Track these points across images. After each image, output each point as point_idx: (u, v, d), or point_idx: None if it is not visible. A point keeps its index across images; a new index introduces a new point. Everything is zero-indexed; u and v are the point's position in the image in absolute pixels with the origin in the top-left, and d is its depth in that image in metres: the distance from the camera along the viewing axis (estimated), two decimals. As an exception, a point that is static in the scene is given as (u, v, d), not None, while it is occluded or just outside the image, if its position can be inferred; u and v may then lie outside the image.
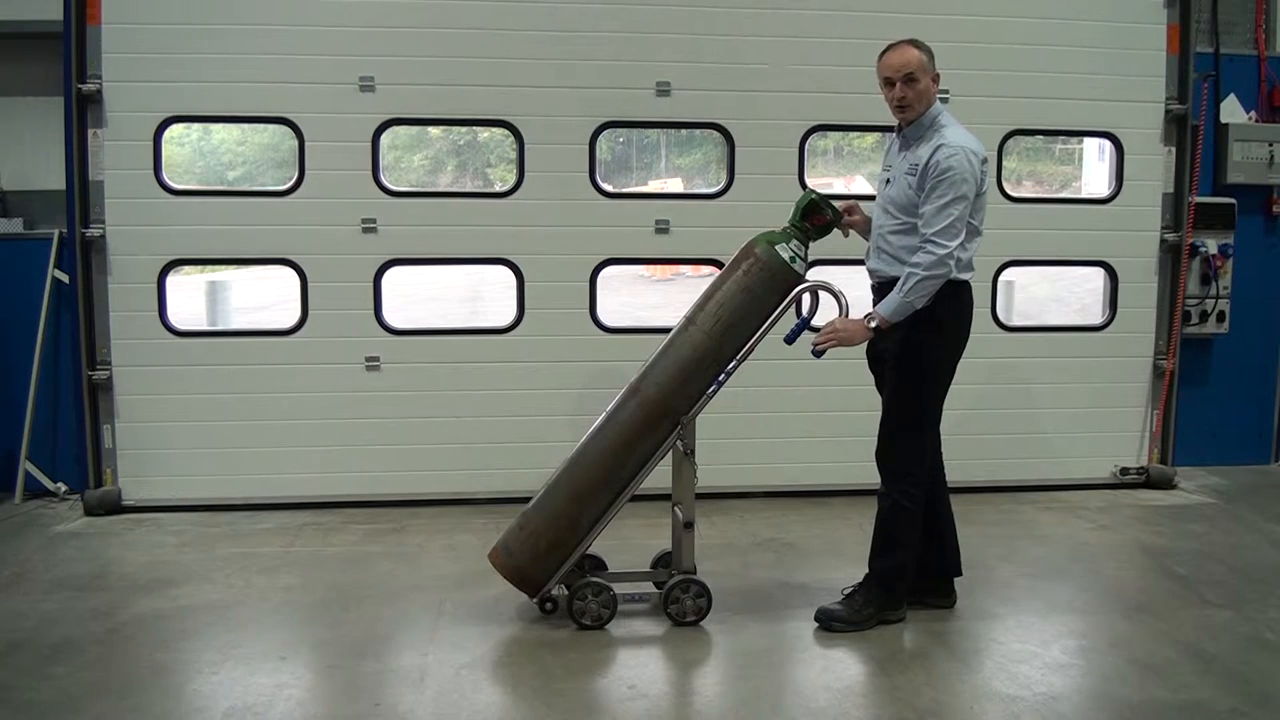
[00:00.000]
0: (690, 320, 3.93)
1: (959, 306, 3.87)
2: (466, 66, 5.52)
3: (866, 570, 4.03)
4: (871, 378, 4.12)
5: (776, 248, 3.84)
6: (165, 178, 5.48)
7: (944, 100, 5.66)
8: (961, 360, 3.94)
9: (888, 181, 3.95)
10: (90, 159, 5.37)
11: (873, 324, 3.77)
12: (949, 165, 3.67)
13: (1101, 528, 5.37)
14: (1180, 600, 4.31)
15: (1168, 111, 5.96)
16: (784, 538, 5.13)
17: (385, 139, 5.59)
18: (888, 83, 3.83)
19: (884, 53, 3.86)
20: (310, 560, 4.79)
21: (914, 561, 3.98)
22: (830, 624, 3.95)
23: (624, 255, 5.89)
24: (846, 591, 4.03)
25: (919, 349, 3.83)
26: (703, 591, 4.01)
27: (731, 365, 3.90)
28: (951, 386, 3.96)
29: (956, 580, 4.20)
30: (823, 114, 5.79)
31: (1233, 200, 6.20)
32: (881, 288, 3.94)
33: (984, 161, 3.78)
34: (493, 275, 6.51)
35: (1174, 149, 6.00)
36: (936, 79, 3.84)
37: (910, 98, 3.79)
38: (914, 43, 3.84)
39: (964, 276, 3.82)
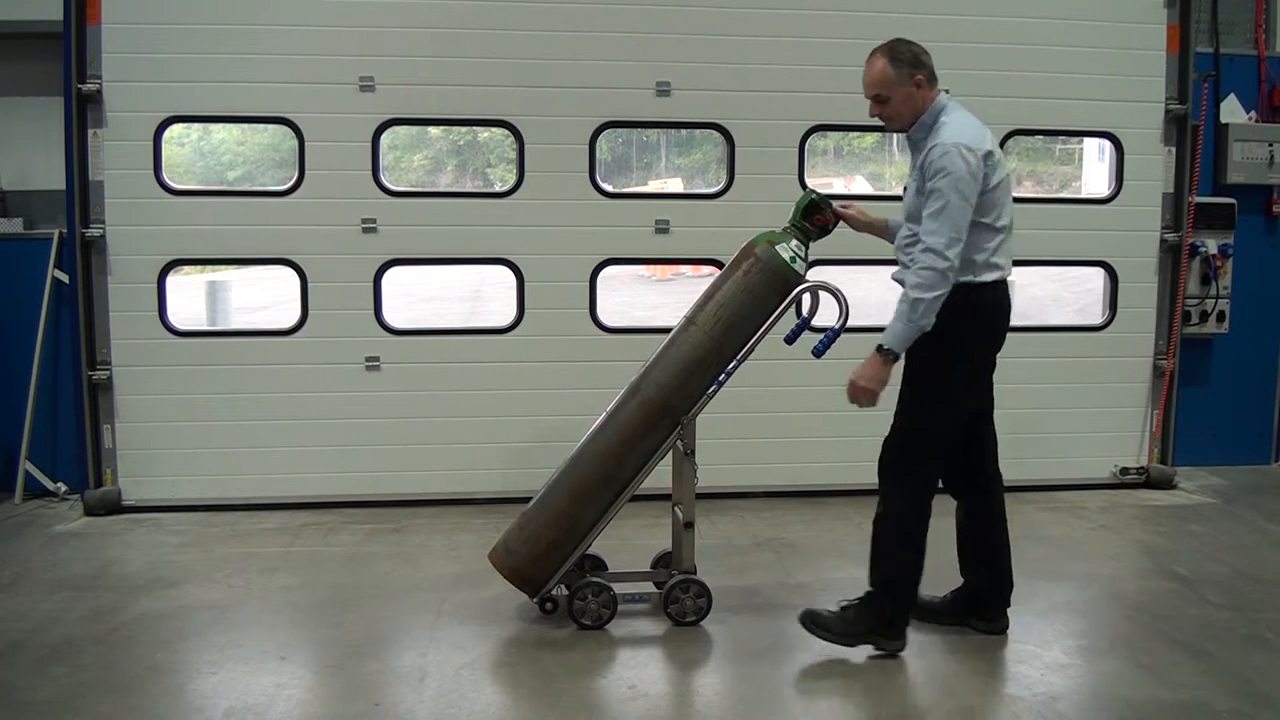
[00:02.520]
0: (690, 320, 3.93)
1: (983, 311, 3.62)
2: (466, 66, 5.52)
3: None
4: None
5: (777, 248, 3.83)
6: (165, 178, 5.48)
7: (944, 100, 5.71)
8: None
9: (905, 189, 3.80)
10: (90, 159, 5.37)
11: (886, 359, 3.54)
12: (940, 165, 3.46)
13: (1101, 528, 5.37)
14: (1180, 600, 4.31)
15: (1168, 111, 5.96)
16: (784, 538, 5.13)
17: (385, 139, 5.59)
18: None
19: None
20: (310, 560, 4.80)
21: (909, 588, 3.73)
22: (812, 627, 3.78)
23: (624, 255, 5.89)
24: (843, 604, 3.83)
25: (937, 362, 3.60)
26: (703, 591, 4.01)
27: (731, 365, 3.90)
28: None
29: None
30: (823, 114, 5.78)
31: (1233, 200, 6.20)
32: None
33: (988, 155, 3.52)
34: (493, 275, 6.51)
35: (1174, 149, 6.00)
36: (920, 82, 3.60)
37: (886, 113, 3.67)
38: (887, 51, 3.64)
39: (986, 278, 3.58)
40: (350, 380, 5.60)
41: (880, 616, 3.73)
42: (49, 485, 5.74)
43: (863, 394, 3.57)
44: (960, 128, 3.55)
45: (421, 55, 5.49)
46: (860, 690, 3.50)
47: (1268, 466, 6.55)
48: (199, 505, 5.52)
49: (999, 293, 3.65)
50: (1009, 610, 3.95)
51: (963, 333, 3.58)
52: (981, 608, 3.94)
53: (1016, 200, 5.86)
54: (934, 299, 3.46)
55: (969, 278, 3.56)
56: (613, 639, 3.91)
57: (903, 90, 3.62)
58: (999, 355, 3.77)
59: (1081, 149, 18.41)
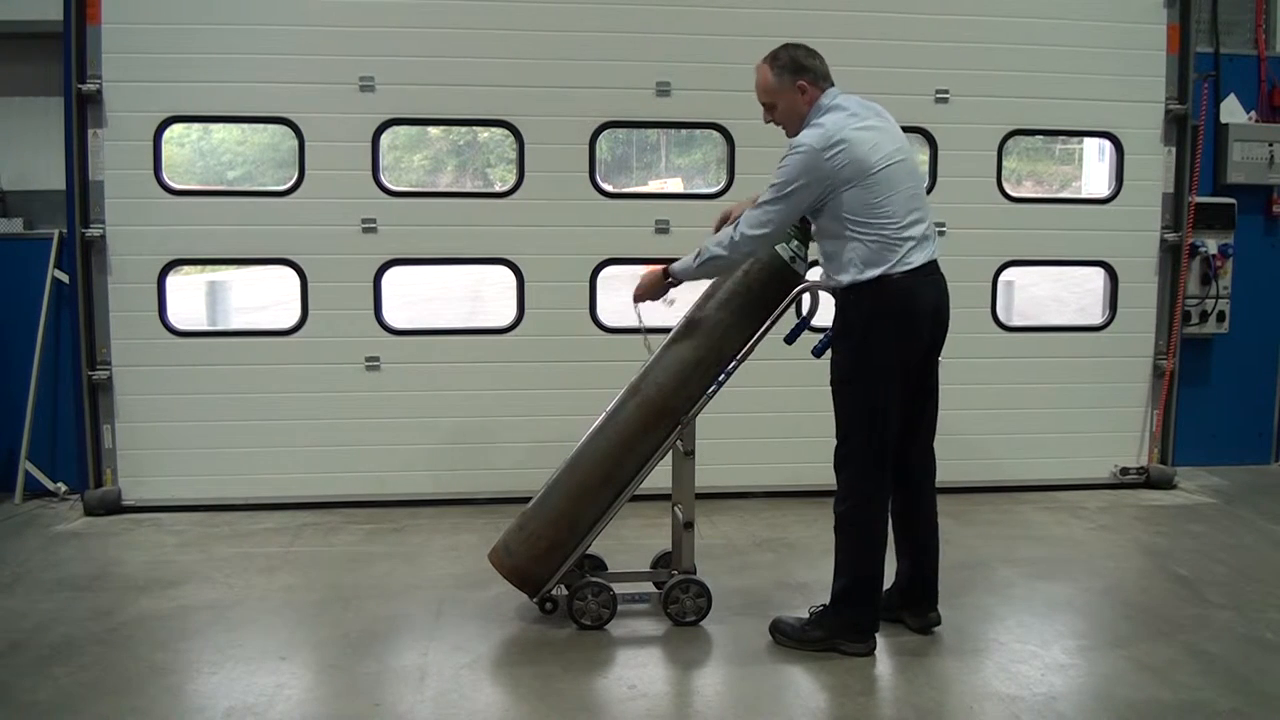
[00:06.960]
0: (690, 320, 3.93)
1: (882, 308, 3.55)
2: (466, 66, 5.52)
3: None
4: None
5: (777, 248, 3.83)
6: (165, 178, 5.48)
7: (944, 100, 5.73)
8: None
9: None
10: (90, 159, 5.37)
11: (669, 278, 3.88)
12: (784, 160, 3.57)
13: (1101, 528, 5.37)
14: (1180, 600, 4.31)
15: (1168, 111, 5.96)
16: (784, 538, 5.13)
17: (385, 139, 5.59)
18: None
19: None
20: (310, 560, 4.80)
21: (868, 590, 3.68)
22: (774, 633, 3.82)
23: (624, 255, 5.87)
24: (813, 610, 3.83)
25: (840, 359, 3.66)
26: (703, 591, 4.01)
27: (731, 365, 3.90)
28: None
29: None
30: (823, 114, 5.77)
31: (1233, 200, 6.20)
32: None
33: (837, 145, 3.49)
34: (493, 275, 6.51)
35: (1174, 149, 6.00)
36: (803, 87, 3.65)
37: (776, 119, 3.75)
38: (770, 58, 3.72)
39: (871, 274, 3.53)
40: (350, 380, 5.60)
41: (841, 622, 3.71)
42: (49, 485, 5.74)
43: (639, 290, 3.97)
44: (824, 127, 3.54)
45: (421, 55, 5.49)
46: (859, 690, 3.50)
47: (1268, 466, 6.55)
48: (199, 505, 5.52)
49: (900, 290, 3.55)
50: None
51: (867, 331, 3.58)
52: (908, 602, 3.91)
53: (1017, 200, 6.00)
54: (721, 259, 3.70)
55: (853, 276, 3.56)
56: (613, 639, 3.91)
57: (785, 96, 3.69)
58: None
59: (1081, 149, 18.39)
